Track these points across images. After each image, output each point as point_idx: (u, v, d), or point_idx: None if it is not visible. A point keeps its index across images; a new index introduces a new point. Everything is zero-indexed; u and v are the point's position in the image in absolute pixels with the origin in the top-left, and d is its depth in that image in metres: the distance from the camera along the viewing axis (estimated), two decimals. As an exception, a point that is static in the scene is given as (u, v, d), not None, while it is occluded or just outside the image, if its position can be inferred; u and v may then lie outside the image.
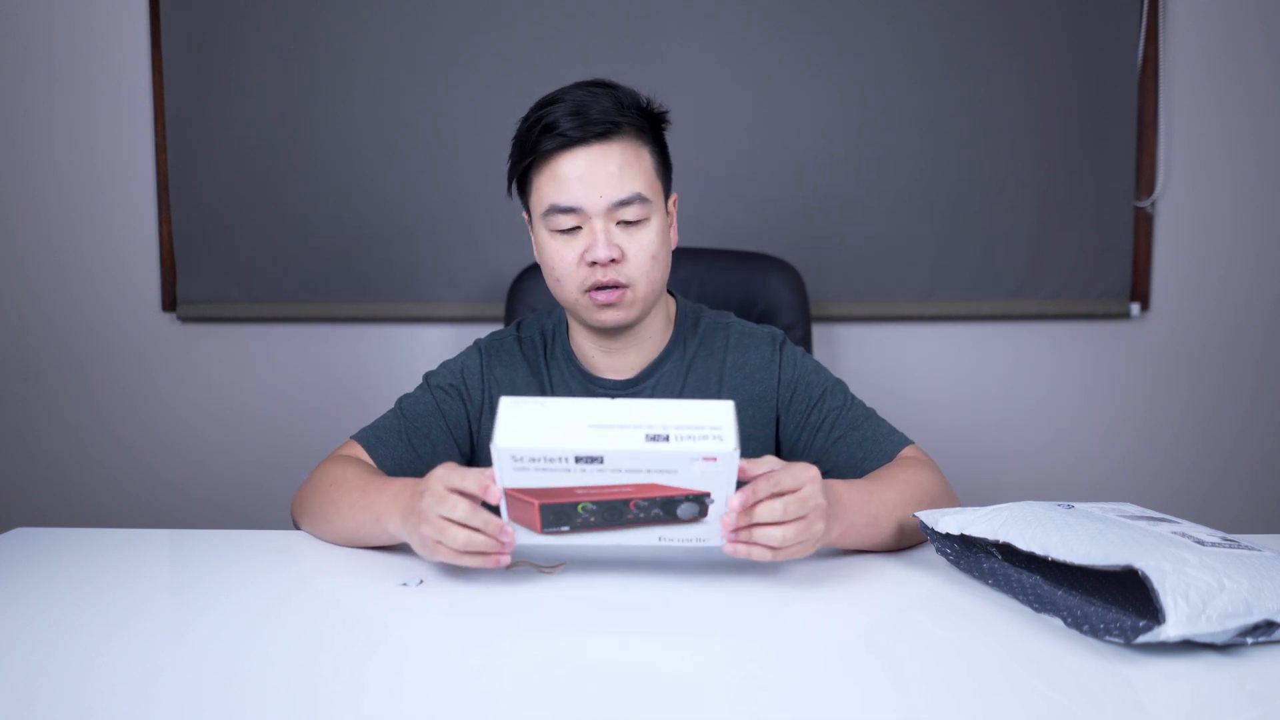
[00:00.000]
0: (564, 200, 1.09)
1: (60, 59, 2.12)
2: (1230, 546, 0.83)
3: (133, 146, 2.12)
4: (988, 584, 0.90)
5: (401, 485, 0.97)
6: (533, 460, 0.81)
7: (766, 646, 0.79)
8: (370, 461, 1.13)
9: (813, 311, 1.79)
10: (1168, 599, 0.72)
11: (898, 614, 0.88)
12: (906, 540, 1.03)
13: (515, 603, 0.88)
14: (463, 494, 0.87)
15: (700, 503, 0.85)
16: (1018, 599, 0.86)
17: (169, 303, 2.15)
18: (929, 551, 1.01)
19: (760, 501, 0.86)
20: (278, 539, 1.08)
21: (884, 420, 1.17)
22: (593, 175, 1.08)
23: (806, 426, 1.18)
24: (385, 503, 0.97)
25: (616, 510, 0.86)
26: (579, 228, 1.10)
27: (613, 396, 1.20)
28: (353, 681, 0.72)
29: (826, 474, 1.00)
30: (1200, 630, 0.72)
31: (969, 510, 0.94)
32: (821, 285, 2.03)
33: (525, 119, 1.12)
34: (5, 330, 2.18)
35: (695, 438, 0.81)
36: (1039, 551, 0.83)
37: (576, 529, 0.88)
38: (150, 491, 2.18)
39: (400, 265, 2.08)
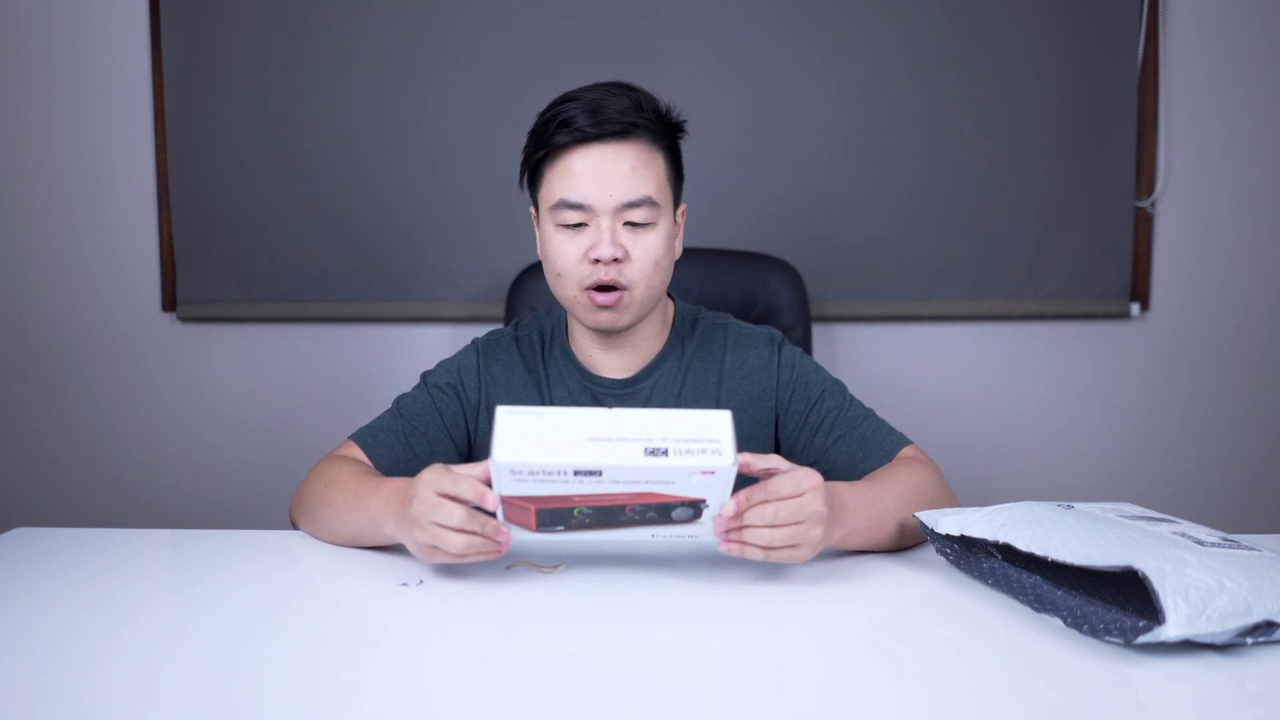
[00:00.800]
0: (573, 195, 1.09)
1: (60, 59, 2.12)
2: (1230, 547, 0.83)
3: (133, 146, 2.12)
4: (988, 584, 0.90)
5: (393, 488, 0.97)
6: (531, 473, 0.81)
7: (766, 646, 0.79)
8: (367, 461, 1.13)
9: (812, 311, 1.79)
10: (1167, 599, 0.72)
11: (898, 614, 0.88)
12: (907, 540, 1.03)
13: (515, 603, 0.88)
14: (456, 499, 0.87)
15: (695, 508, 0.85)
16: (1018, 599, 0.86)
17: (169, 303, 2.15)
18: (929, 551, 1.01)
19: (753, 506, 0.86)
20: (277, 539, 1.08)
21: (883, 420, 1.17)
22: (605, 173, 1.08)
23: (805, 426, 1.18)
24: (378, 506, 0.97)
25: (612, 513, 0.86)
26: (585, 225, 1.10)
27: (611, 395, 1.20)
28: (353, 681, 0.72)
29: (826, 474, 1.00)
30: (1200, 630, 0.72)
31: (969, 511, 0.94)
32: (821, 285, 2.03)
33: (543, 113, 1.12)
34: (5, 330, 2.18)
35: (694, 451, 0.81)
36: (1039, 552, 0.83)
37: (572, 529, 0.88)
38: (150, 491, 2.18)
39: (400, 265, 2.08)
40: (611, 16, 2.02)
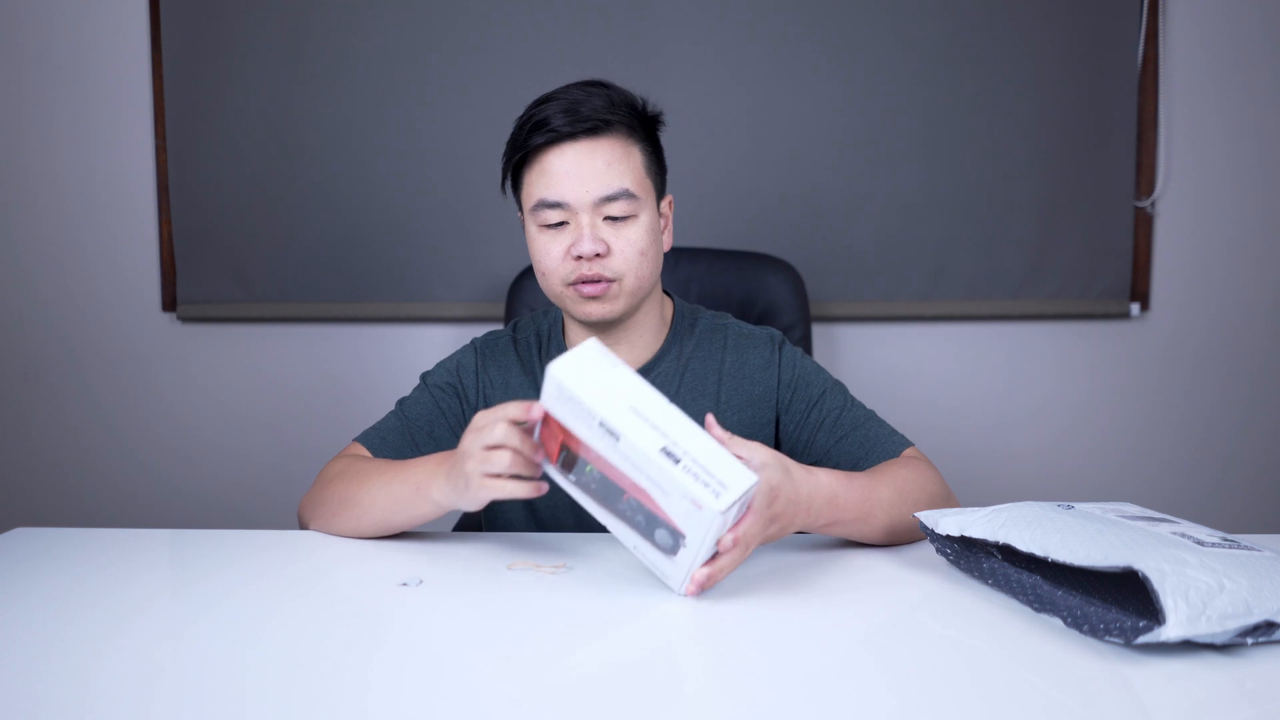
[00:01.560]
0: (551, 195, 1.10)
1: (60, 59, 2.12)
2: (1230, 547, 0.83)
3: (133, 146, 2.12)
4: (988, 584, 0.90)
5: (440, 456, 1.01)
6: (570, 400, 0.85)
7: (766, 646, 0.79)
8: None
9: (812, 312, 1.79)
10: (1167, 600, 0.72)
11: (898, 614, 0.88)
12: (896, 539, 1.04)
13: (515, 603, 0.88)
14: (504, 421, 0.90)
15: (675, 540, 0.85)
16: (1018, 599, 0.86)
17: (169, 303, 2.15)
18: (929, 551, 1.01)
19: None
20: (278, 539, 1.08)
21: (884, 422, 1.17)
22: (580, 170, 1.09)
23: (806, 426, 1.18)
24: (426, 472, 1.00)
25: (613, 493, 0.87)
26: (566, 223, 1.11)
27: None
28: (353, 681, 0.72)
29: None
30: (1200, 631, 0.72)
31: (969, 511, 0.94)
32: (821, 285, 2.03)
33: (520, 117, 1.13)
34: (5, 330, 2.18)
35: (699, 479, 0.81)
36: (1039, 553, 0.83)
37: (580, 485, 0.90)
38: (150, 491, 2.18)
39: (400, 265, 2.08)
40: (611, 16, 2.02)
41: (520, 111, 1.15)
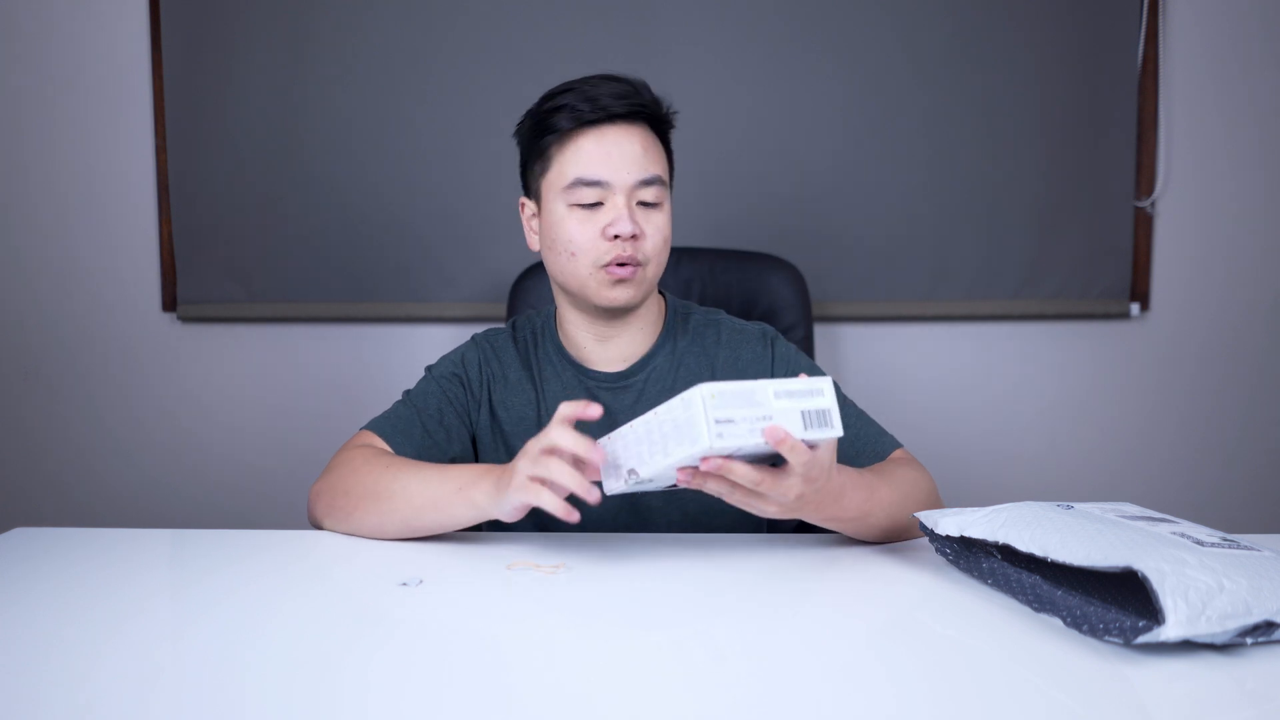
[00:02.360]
0: (590, 174, 1.10)
1: (60, 59, 2.11)
2: (1230, 547, 0.83)
3: (133, 146, 2.12)
4: (987, 584, 0.90)
5: (491, 465, 1.01)
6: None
7: (766, 646, 0.79)
8: (389, 450, 1.13)
9: (814, 311, 1.79)
10: (1167, 600, 0.72)
11: (898, 614, 0.88)
12: (891, 538, 1.04)
13: (515, 603, 0.88)
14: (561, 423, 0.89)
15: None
16: (1017, 599, 0.86)
17: (169, 303, 2.15)
18: (929, 551, 1.01)
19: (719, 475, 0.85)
20: (278, 539, 1.08)
21: (875, 421, 1.18)
22: (620, 152, 1.11)
23: (797, 419, 1.18)
24: (473, 475, 0.99)
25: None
26: (601, 204, 1.11)
27: (604, 388, 1.20)
28: (353, 681, 0.72)
29: None
30: (1200, 631, 0.72)
31: (968, 511, 0.94)
32: (823, 285, 2.03)
33: (538, 105, 1.14)
34: (5, 330, 2.18)
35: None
36: (1038, 553, 0.83)
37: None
38: (150, 491, 2.18)
39: (400, 265, 2.08)
40: (611, 16, 2.02)
41: (520, 111, 1.15)
